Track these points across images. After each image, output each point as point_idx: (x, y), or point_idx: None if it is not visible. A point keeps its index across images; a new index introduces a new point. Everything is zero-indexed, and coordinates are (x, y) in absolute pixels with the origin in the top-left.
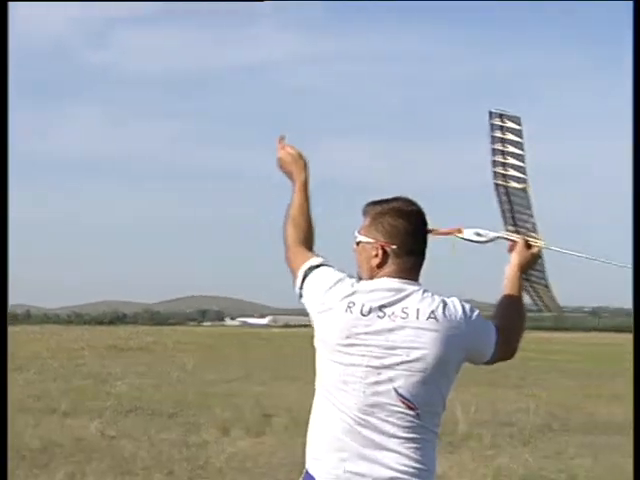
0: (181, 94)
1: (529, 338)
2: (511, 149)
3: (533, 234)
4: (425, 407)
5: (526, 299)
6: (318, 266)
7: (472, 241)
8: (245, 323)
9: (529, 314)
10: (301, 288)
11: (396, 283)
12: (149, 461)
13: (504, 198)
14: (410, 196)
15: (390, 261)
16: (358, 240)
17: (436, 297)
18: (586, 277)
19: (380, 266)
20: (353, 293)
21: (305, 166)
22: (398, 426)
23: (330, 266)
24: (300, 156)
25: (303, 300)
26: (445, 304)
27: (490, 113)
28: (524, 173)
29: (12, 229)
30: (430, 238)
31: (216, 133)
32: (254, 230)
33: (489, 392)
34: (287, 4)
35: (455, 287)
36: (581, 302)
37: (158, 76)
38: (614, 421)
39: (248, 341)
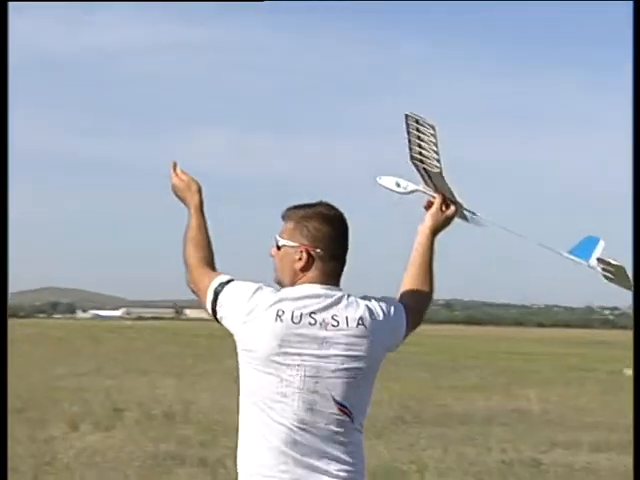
0: (33, 78)
1: None
2: (427, 145)
3: (452, 197)
4: (358, 410)
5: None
6: (229, 281)
7: (391, 190)
8: (97, 316)
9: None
10: (214, 305)
11: (321, 289)
12: None
13: (425, 175)
14: (268, 186)
15: (314, 265)
16: (281, 244)
17: (360, 302)
18: (437, 270)
19: (304, 270)
20: (280, 300)
21: (198, 190)
22: (335, 432)
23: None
24: (192, 181)
25: (220, 316)
26: (369, 309)
27: (406, 116)
28: (440, 163)
29: None
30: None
31: (71, 120)
32: (114, 223)
33: None
34: None
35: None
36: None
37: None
38: (465, 413)
39: (99, 334)
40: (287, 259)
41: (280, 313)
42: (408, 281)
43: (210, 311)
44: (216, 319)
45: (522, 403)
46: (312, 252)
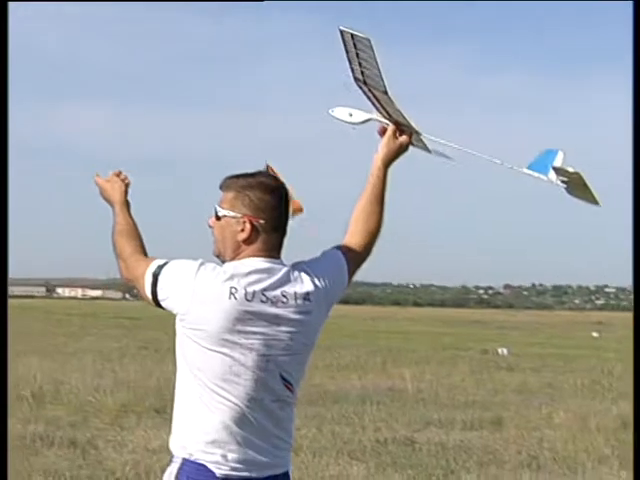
0: None
1: None
2: (367, 63)
3: (404, 120)
4: (297, 383)
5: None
6: (166, 263)
7: (345, 121)
8: None
9: None
10: (155, 288)
11: (265, 263)
12: None
13: (370, 95)
14: (147, 161)
15: (258, 237)
16: (221, 214)
17: (304, 276)
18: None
19: (247, 242)
20: (232, 277)
21: (123, 189)
22: (281, 409)
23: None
24: (116, 180)
25: (162, 298)
26: (314, 283)
27: (341, 32)
28: (383, 81)
29: None
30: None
31: None
32: None
33: None
34: None
35: None
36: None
37: None
38: (340, 392)
39: None
40: (228, 230)
41: (233, 291)
42: (356, 215)
43: (150, 295)
44: (157, 303)
45: (397, 382)
46: (255, 223)
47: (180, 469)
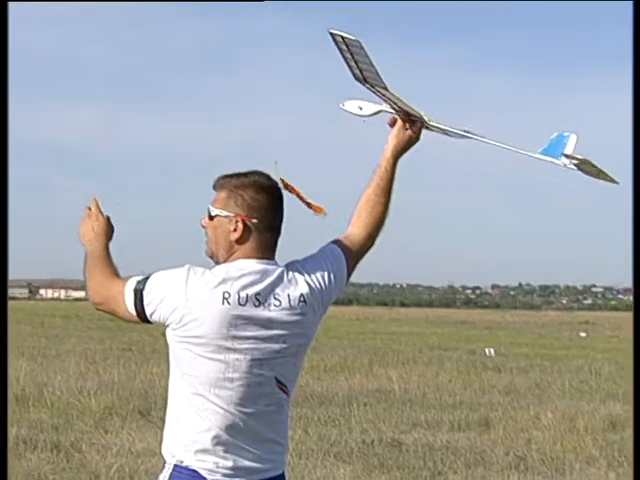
0: None
1: None
2: (363, 64)
3: (413, 111)
4: (292, 385)
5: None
6: (147, 278)
7: (356, 114)
8: None
9: None
10: (140, 303)
11: (258, 265)
12: None
13: (375, 91)
14: (136, 160)
15: (251, 237)
16: (214, 214)
17: (298, 277)
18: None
19: (240, 241)
20: (223, 281)
21: (101, 233)
22: (276, 412)
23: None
24: (95, 220)
25: (150, 312)
26: (309, 284)
27: (331, 35)
28: (380, 78)
29: None
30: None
31: None
32: None
33: None
34: None
35: None
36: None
37: None
38: (326, 393)
39: None
40: (221, 230)
41: (226, 295)
42: (360, 206)
43: (133, 311)
44: (143, 318)
45: (384, 383)
46: (248, 222)
47: (171, 475)
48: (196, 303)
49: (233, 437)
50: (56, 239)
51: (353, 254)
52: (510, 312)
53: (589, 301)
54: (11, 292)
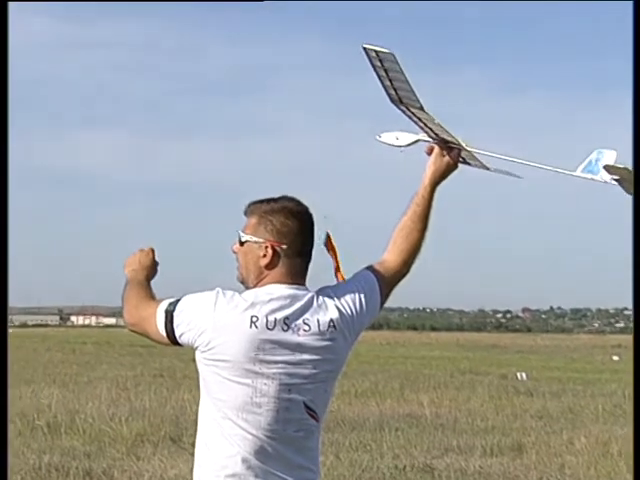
0: None
1: None
2: (398, 81)
3: (451, 137)
4: (322, 411)
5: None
6: (179, 300)
7: (393, 145)
8: None
9: None
10: (170, 325)
11: (287, 290)
12: None
13: (410, 114)
14: (158, 189)
15: (280, 262)
16: (244, 240)
17: (329, 302)
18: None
19: (269, 267)
20: (252, 305)
21: (148, 267)
22: (305, 438)
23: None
24: (147, 254)
25: (180, 333)
26: (339, 310)
27: (365, 50)
28: (416, 96)
29: None
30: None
31: None
32: None
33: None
34: None
35: None
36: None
37: None
38: (358, 418)
39: None
40: (251, 255)
41: (254, 319)
42: (396, 233)
43: (164, 332)
44: (172, 340)
45: (415, 408)
46: (277, 248)
47: None
48: (224, 326)
49: (262, 462)
50: (87, 266)
51: (387, 281)
52: (542, 336)
53: (621, 324)
54: (42, 319)
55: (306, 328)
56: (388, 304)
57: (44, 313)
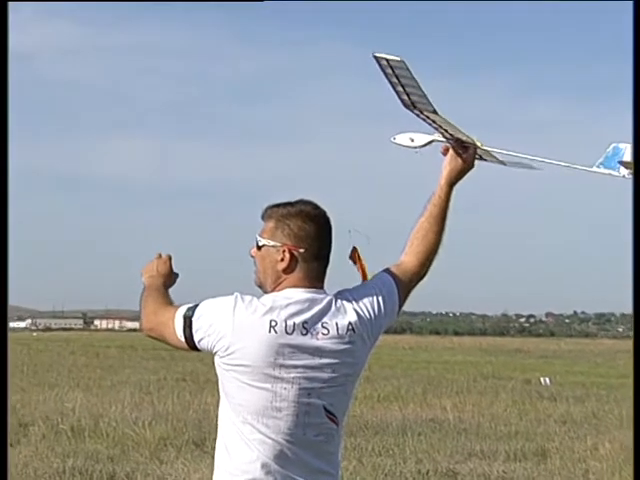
0: None
1: None
2: (410, 87)
3: (465, 137)
4: (342, 415)
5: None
6: (196, 305)
7: (408, 147)
8: None
9: None
10: (189, 329)
11: (305, 293)
12: None
13: (424, 117)
14: (186, 193)
15: (298, 266)
16: (261, 244)
17: (347, 306)
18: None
19: (287, 271)
20: (271, 309)
21: (165, 274)
22: (325, 442)
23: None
24: (164, 262)
25: (199, 338)
26: (358, 313)
27: (376, 58)
28: (429, 101)
29: None
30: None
31: None
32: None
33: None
34: None
35: None
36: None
37: None
38: (380, 423)
39: None
40: (269, 259)
41: (273, 324)
42: (413, 234)
43: (182, 337)
44: (191, 345)
45: (438, 412)
46: (295, 252)
47: None
48: (243, 331)
49: (282, 467)
50: (111, 270)
51: (405, 283)
52: (565, 340)
53: None
54: (66, 323)
55: (325, 332)
56: (411, 308)
57: (68, 317)
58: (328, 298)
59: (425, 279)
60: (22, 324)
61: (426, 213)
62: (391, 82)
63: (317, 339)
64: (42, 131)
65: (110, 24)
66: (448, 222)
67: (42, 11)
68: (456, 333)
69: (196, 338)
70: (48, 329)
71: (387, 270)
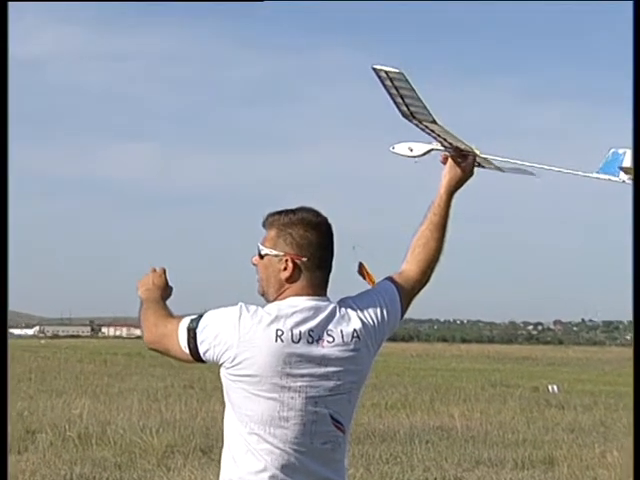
0: None
1: None
2: (409, 98)
3: (464, 145)
4: (348, 422)
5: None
6: (200, 315)
7: (407, 156)
8: (11, 335)
9: None
10: (193, 341)
11: (309, 302)
12: None
13: (423, 127)
14: (196, 198)
15: (301, 276)
16: (264, 253)
17: (351, 313)
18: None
19: (290, 280)
20: (276, 319)
21: (161, 287)
22: (332, 450)
23: None
24: (159, 276)
25: (204, 350)
26: (362, 320)
27: (375, 70)
28: (428, 111)
29: None
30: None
31: None
32: (28, 237)
33: None
34: None
35: None
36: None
37: None
38: (388, 431)
39: (12, 353)
40: (271, 269)
41: (279, 333)
42: (414, 242)
43: (187, 349)
44: (196, 357)
45: (446, 420)
46: (297, 261)
47: None
48: (249, 341)
49: (290, 476)
50: (118, 277)
51: (407, 291)
52: (573, 348)
53: None
54: (74, 330)
55: (330, 339)
56: (418, 316)
57: (76, 324)
58: (332, 306)
59: (430, 286)
60: (30, 331)
61: (427, 221)
62: (390, 93)
63: (322, 347)
64: (55, 136)
65: (117, 31)
66: (449, 230)
67: (50, 18)
68: (464, 341)
69: (201, 350)
70: (56, 336)
71: (389, 278)
